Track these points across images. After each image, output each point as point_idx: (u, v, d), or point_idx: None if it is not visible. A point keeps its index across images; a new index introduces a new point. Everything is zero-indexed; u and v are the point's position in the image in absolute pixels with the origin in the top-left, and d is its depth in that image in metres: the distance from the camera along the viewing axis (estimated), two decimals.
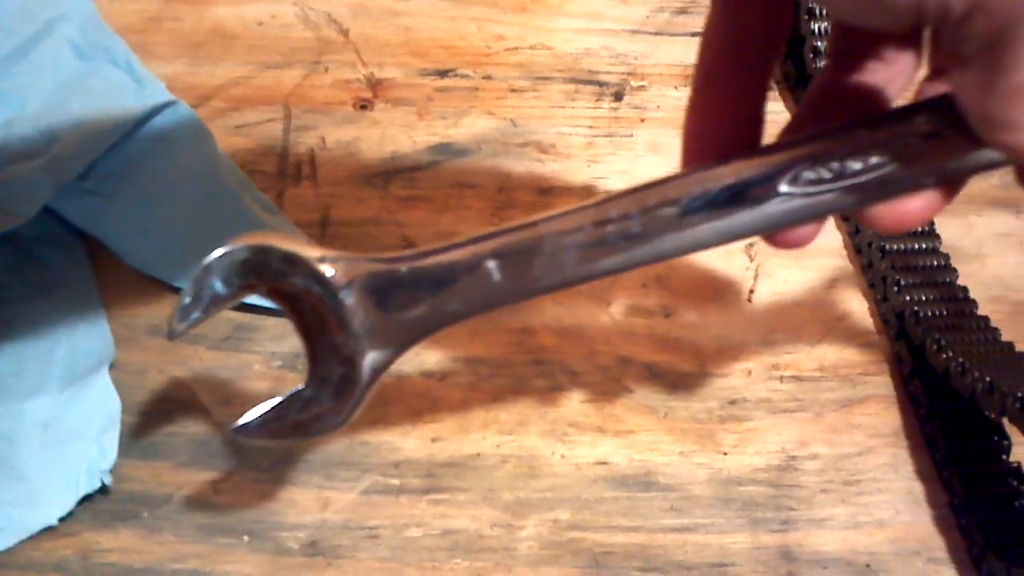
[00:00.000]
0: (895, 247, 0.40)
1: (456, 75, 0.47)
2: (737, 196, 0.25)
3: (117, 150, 0.38)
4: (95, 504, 0.33)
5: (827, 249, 0.42)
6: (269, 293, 0.26)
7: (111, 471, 0.33)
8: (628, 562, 0.34)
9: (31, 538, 0.32)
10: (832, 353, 0.39)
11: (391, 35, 0.48)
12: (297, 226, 0.41)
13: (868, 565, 0.34)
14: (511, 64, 0.47)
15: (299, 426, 0.27)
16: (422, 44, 0.48)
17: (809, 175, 0.24)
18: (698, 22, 0.45)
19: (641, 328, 0.39)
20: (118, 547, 0.32)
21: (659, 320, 0.40)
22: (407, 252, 0.26)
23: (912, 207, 0.24)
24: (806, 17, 0.44)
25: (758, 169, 0.24)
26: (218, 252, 0.26)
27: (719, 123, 0.26)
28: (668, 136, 0.45)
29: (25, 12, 0.42)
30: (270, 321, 0.38)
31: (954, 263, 0.40)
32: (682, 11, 0.49)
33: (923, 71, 0.26)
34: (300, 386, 0.27)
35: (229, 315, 0.38)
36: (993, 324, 0.38)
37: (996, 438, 0.36)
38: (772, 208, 0.24)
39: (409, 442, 0.36)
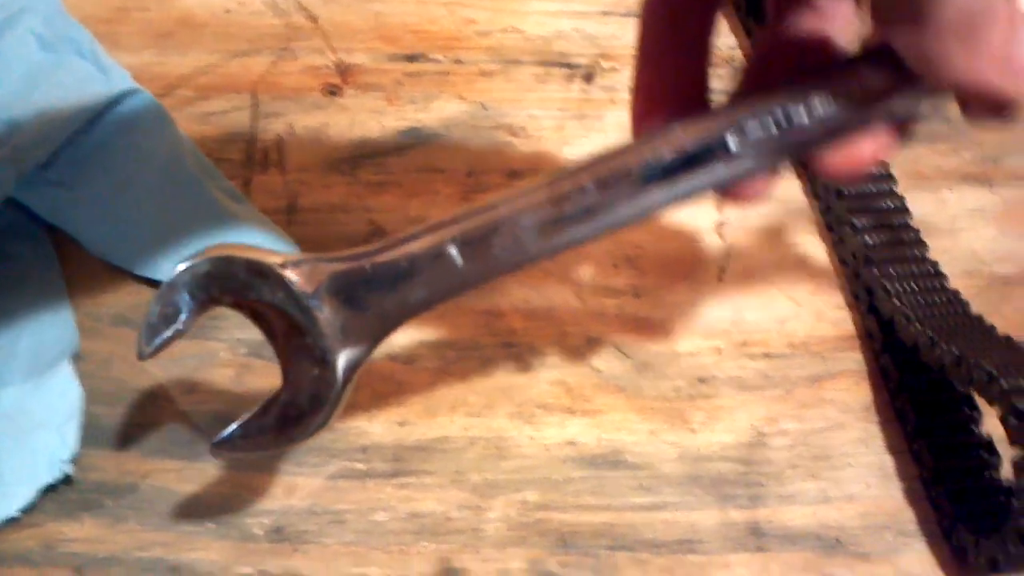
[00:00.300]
0: (866, 222, 0.40)
1: (426, 59, 0.46)
2: (688, 159, 0.25)
3: (80, 140, 0.38)
4: (60, 494, 0.33)
5: (798, 227, 0.42)
6: (234, 305, 0.26)
7: (74, 461, 0.33)
8: (596, 540, 0.34)
9: None
10: (802, 330, 0.39)
11: (361, 20, 0.47)
12: (264, 213, 0.40)
13: (838, 539, 0.34)
14: (481, 48, 0.47)
15: (280, 434, 0.27)
16: (392, 29, 0.47)
17: (756, 131, 0.24)
18: None
19: (611, 308, 0.39)
20: (82, 537, 0.32)
21: (629, 300, 0.39)
22: (369, 247, 0.26)
23: (863, 151, 0.25)
24: None
25: (706, 131, 0.25)
26: (180, 267, 0.26)
27: (665, 88, 0.26)
28: None
29: None
30: None
31: (927, 238, 0.40)
32: None
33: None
34: (274, 393, 0.27)
35: None
36: (963, 298, 0.37)
37: (966, 410, 0.36)
38: (722, 166, 0.25)
39: (376, 426, 0.35)
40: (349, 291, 0.26)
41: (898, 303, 0.37)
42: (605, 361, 0.38)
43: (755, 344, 0.39)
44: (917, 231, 0.40)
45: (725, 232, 0.42)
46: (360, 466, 0.35)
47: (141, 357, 0.26)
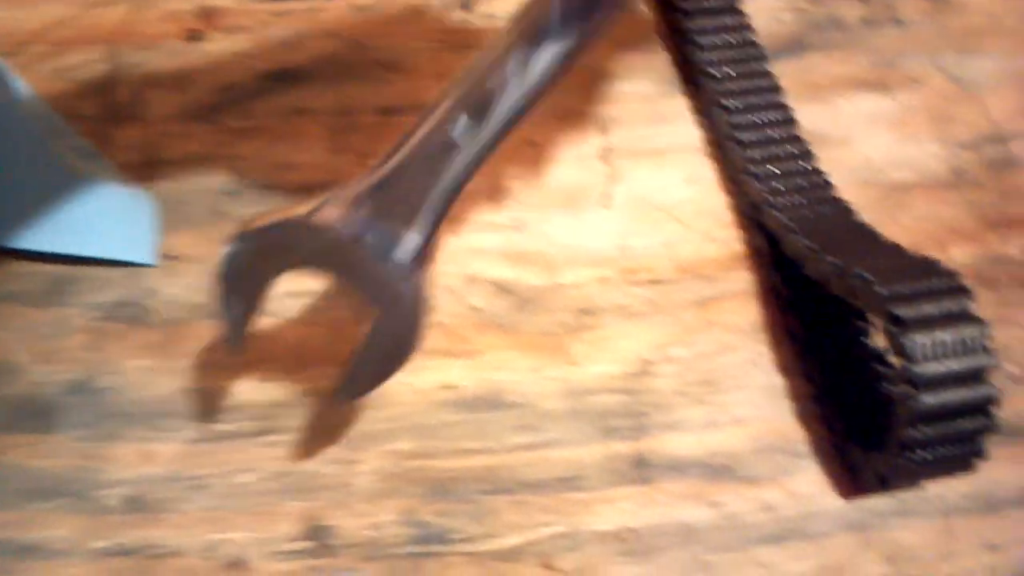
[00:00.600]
0: (750, 137, 0.38)
1: None
2: None
3: None
4: None
5: (685, 147, 0.40)
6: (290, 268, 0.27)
7: None
8: (475, 485, 0.32)
9: None
10: (690, 252, 0.38)
11: None
12: (124, 168, 0.38)
13: (726, 465, 0.33)
14: None
15: (387, 359, 0.27)
16: None
17: None
18: None
19: (491, 243, 0.37)
20: None
21: (509, 233, 0.38)
22: (378, 161, 0.28)
23: None
24: None
25: None
26: (222, 257, 0.27)
27: None
28: None
29: None
30: (90, 271, 0.36)
31: (821, 149, 0.39)
32: None
33: None
34: (370, 329, 0.27)
35: (47, 269, 0.36)
36: (851, 207, 0.36)
37: (856, 322, 0.34)
38: None
39: (242, 384, 0.34)
40: (380, 204, 0.27)
41: (783, 217, 0.35)
42: (485, 299, 0.36)
43: (641, 270, 0.37)
44: (805, 142, 0.38)
45: (611, 158, 0.40)
46: (224, 427, 0.33)
47: (234, 347, 0.28)
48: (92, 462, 0.32)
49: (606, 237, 0.38)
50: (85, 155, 0.38)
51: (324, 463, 0.32)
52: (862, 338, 0.34)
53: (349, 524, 0.31)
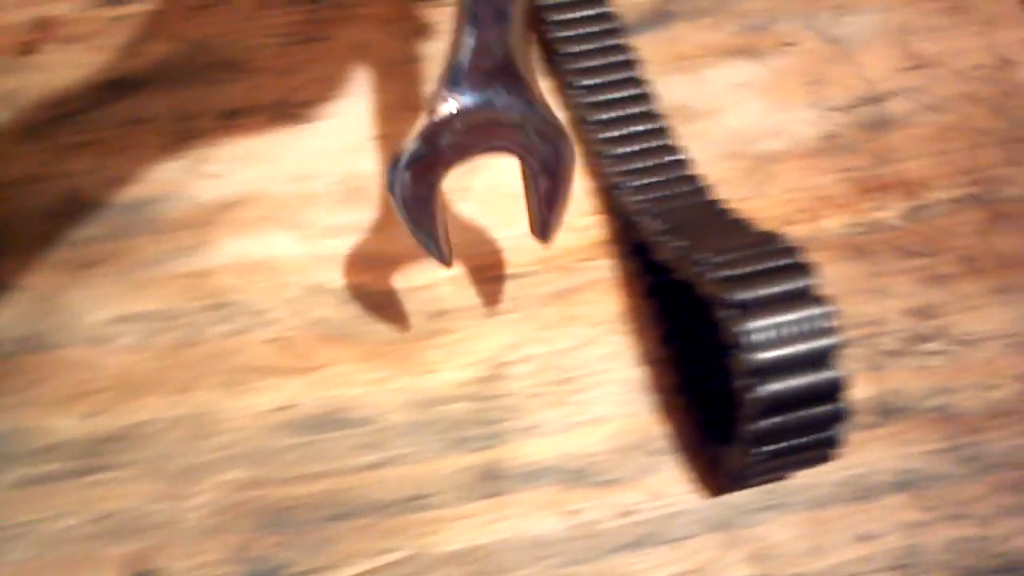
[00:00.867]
0: (603, 116, 0.36)
1: (133, 1, 0.41)
2: None
3: None
4: None
5: None
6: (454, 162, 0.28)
7: None
8: (315, 512, 0.30)
9: None
10: None
11: None
12: None
13: (582, 469, 0.31)
14: None
15: (550, 197, 0.29)
16: None
17: None
18: None
19: (339, 249, 0.35)
20: None
21: (360, 236, 0.35)
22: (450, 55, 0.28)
23: None
24: None
25: None
26: (392, 191, 0.27)
27: None
28: (380, 33, 0.41)
29: None
30: None
31: (686, 123, 0.37)
32: None
33: None
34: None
35: None
36: (707, 185, 0.34)
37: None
38: None
39: (63, 421, 0.31)
40: (485, 77, 0.27)
41: (635, 199, 0.33)
42: (331, 308, 0.34)
43: (497, 266, 0.35)
44: (661, 117, 0.36)
45: None
46: (47, 468, 0.31)
47: (447, 265, 0.29)
48: None
49: (460, 232, 0.36)
50: None
51: (152, 500, 0.30)
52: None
53: (177, 566, 0.29)
